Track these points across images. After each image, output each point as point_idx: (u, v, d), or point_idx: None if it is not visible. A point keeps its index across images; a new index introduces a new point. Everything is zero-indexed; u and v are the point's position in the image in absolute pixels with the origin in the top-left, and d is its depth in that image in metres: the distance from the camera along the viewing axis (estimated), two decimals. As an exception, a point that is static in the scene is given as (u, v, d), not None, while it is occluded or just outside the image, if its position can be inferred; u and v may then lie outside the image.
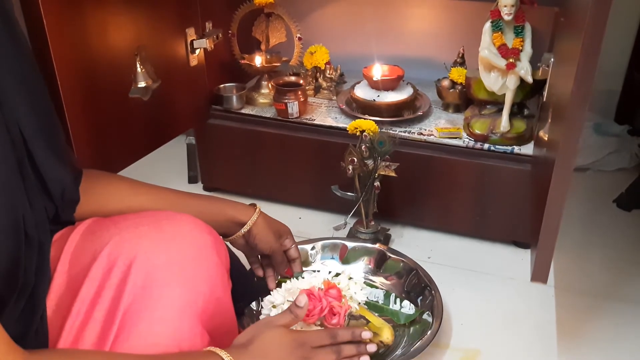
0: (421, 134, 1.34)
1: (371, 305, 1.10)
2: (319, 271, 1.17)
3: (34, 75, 0.67)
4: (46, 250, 0.67)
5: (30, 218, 0.61)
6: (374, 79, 1.42)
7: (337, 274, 1.03)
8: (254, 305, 1.10)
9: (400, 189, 1.36)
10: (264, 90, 1.51)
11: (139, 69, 1.11)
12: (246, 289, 1.01)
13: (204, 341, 0.70)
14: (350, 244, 1.25)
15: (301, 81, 1.45)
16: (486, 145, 1.28)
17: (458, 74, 1.39)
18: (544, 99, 1.17)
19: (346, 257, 1.24)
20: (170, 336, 0.68)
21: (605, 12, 0.69)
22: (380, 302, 1.13)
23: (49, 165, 0.66)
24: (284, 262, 1.03)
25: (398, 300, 1.12)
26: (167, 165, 1.71)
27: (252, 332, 0.74)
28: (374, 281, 1.21)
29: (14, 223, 0.58)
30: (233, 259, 0.89)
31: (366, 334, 0.84)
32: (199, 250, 0.75)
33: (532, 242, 0.99)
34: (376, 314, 1.06)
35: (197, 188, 1.62)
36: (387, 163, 1.24)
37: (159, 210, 0.81)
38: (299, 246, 1.23)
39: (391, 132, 1.31)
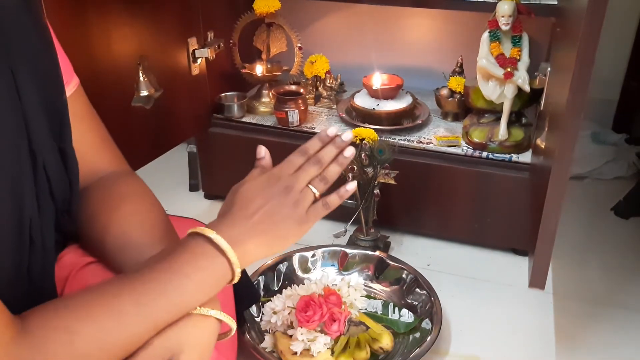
0: (420, 142, 1.35)
1: (370, 316, 1.11)
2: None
3: (54, 73, 0.65)
4: (51, 255, 0.67)
5: (37, 222, 0.60)
6: (374, 88, 1.43)
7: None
8: (255, 311, 1.10)
9: (400, 196, 1.37)
10: (265, 99, 1.53)
11: (141, 78, 1.13)
12: (245, 291, 1.01)
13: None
14: (350, 252, 1.26)
15: (301, 90, 1.46)
16: (484, 154, 1.30)
17: (457, 83, 1.40)
18: (541, 108, 1.18)
19: (346, 265, 1.25)
20: None
21: (599, 22, 0.70)
22: (379, 312, 1.13)
23: (56, 169, 0.64)
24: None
25: (397, 309, 1.13)
26: (169, 173, 1.72)
27: (229, 200, 0.67)
28: (373, 288, 1.21)
29: (19, 226, 0.57)
30: None
31: (348, 135, 0.73)
32: None
33: (530, 248, 1.00)
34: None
35: (198, 196, 1.63)
36: (387, 171, 1.25)
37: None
38: (299, 253, 1.24)
39: (391, 140, 1.32)
